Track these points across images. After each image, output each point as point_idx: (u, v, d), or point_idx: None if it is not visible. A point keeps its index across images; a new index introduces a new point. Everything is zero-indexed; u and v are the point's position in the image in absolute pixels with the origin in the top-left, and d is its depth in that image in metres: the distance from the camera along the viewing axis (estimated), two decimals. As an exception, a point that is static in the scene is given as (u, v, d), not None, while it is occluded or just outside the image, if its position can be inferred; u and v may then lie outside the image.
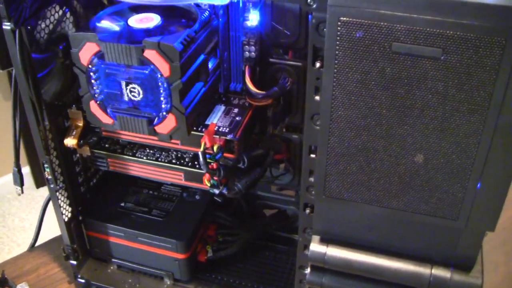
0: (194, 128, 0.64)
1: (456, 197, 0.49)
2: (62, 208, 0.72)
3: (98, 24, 0.61)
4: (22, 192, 0.72)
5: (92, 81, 0.60)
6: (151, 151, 0.70)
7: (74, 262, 0.76)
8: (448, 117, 0.45)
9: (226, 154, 0.64)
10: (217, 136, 0.63)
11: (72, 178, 0.73)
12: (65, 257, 0.76)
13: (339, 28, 0.44)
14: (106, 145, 0.72)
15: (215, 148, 0.63)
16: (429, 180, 0.49)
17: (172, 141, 0.66)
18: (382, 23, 0.43)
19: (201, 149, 0.63)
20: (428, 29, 0.42)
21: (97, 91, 0.61)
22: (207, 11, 0.62)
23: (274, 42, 0.63)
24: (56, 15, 0.64)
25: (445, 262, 0.55)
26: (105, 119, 0.62)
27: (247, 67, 0.65)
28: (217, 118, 0.66)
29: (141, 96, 0.59)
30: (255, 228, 0.81)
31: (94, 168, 0.78)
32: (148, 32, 0.60)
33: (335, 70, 0.47)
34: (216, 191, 0.66)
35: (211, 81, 0.65)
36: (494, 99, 0.43)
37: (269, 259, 0.81)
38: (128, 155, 0.71)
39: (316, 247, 0.58)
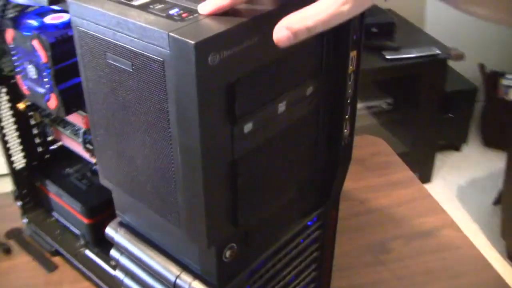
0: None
1: (172, 203, 0.54)
2: (13, 158, 0.90)
3: (23, 20, 0.77)
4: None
5: (14, 58, 0.77)
6: (77, 127, 0.85)
7: (20, 203, 0.94)
8: (148, 126, 0.52)
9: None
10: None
11: (27, 137, 0.91)
12: (15, 197, 0.94)
13: (78, 35, 0.54)
14: (53, 116, 0.88)
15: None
16: (157, 182, 0.55)
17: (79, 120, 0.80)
18: (100, 36, 0.51)
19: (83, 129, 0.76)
20: (122, 44, 0.49)
21: (17, 67, 0.77)
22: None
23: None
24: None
25: (194, 270, 0.60)
26: (25, 90, 0.78)
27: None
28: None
29: (35, 75, 0.74)
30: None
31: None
32: (56, 27, 0.74)
33: (83, 70, 0.56)
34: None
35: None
36: (171, 116, 0.48)
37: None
38: (61, 127, 0.86)
39: (109, 228, 0.67)
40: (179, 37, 0.44)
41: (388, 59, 2.14)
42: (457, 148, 2.64)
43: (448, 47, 2.20)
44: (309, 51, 0.57)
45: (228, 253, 0.58)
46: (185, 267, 0.61)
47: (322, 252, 0.73)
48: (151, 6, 0.50)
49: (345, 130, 0.64)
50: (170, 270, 0.61)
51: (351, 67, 0.60)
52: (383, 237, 0.97)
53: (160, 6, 0.50)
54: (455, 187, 2.43)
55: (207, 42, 0.44)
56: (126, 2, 0.51)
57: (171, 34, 0.44)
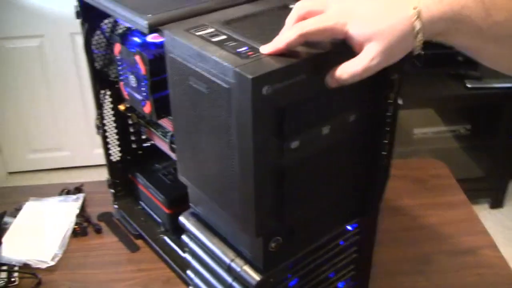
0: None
1: (230, 199, 0.67)
2: (111, 151, 1.07)
3: (129, 37, 0.94)
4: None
5: (119, 68, 0.93)
6: (166, 130, 1.00)
7: (113, 191, 1.11)
8: (215, 136, 0.65)
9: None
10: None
11: (124, 134, 1.08)
12: (108, 185, 1.11)
13: (169, 59, 0.69)
14: (147, 118, 1.04)
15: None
16: (220, 181, 0.68)
17: (168, 124, 0.95)
18: (185, 62, 0.65)
19: (170, 132, 0.92)
20: (201, 71, 0.63)
21: (121, 75, 0.94)
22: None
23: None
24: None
25: (246, 256, 0.74)
26: (126, 95, 0.95)
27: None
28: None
29: (135, 84, 0.90)
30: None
31: (147, 134, 1.10)
32: (156, 46, 0.90)
33: (171, 89, 0.71)
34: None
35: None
36: (233, 130, 0.61)
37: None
38: (153, 128, 1.02)
39: (182, 217, 0.82)
40: (241, 72, 0.57)
41: (469, 87, 2.20)
42: (536, 178, 2.62)
43: (531, 80, 2.22)
44: (352, 87, 0.68)
45: (273, 245, 0.70)
46: (239, 253, 0.74)
47: (360, 255, 0.84)
48: (226, 43, 0.63)
49: (384, 153, 0.75)
50: (227, 255, 0.75)
51: (390, 101, 0.71)
52: (427, 250, 1.06)
53: (233, 43, 0.63)
54: (526, 215, 2.44)
55: (262, 77, 0.57)
56: (208, 38, 0.65)
57: (236, 69, 0.58)
